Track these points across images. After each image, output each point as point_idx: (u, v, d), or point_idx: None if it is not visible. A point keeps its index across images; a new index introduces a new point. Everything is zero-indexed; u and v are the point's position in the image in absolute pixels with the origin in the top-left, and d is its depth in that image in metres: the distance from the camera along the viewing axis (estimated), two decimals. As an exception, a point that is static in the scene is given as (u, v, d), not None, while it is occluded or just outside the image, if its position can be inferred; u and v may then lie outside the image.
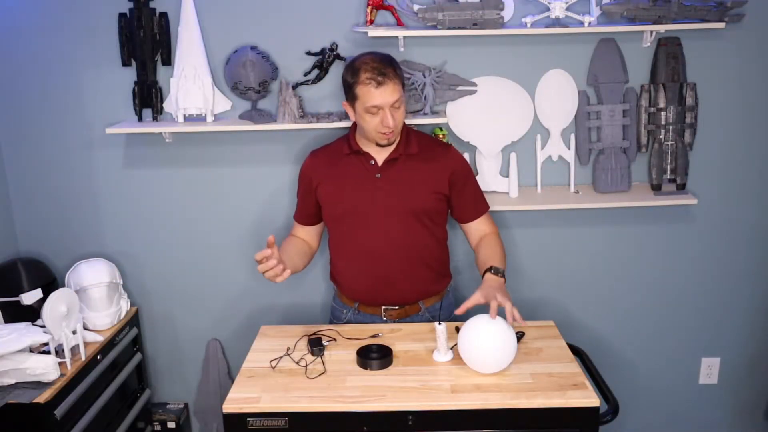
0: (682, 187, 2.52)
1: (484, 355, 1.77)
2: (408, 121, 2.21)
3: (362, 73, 1.92)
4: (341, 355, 1.92)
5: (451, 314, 2.27)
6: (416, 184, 2.06)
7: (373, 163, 2.07)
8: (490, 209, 2.22)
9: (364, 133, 2.03)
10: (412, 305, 2.15)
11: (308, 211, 2.20)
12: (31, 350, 2.06)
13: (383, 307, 2.14)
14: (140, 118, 2.46)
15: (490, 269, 1.99)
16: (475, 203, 2.17)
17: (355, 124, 2.11)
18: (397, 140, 2.07)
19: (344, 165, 2.09)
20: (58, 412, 2.03)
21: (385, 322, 2.14)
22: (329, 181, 2.09)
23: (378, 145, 2.03)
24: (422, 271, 2.13)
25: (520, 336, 1.98)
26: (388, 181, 2.06)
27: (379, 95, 1.91)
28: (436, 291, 2.19)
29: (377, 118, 1.95)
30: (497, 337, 1.76)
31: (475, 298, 1.87)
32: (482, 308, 1.85)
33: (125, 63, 2.42)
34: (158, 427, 2.73)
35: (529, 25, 2.30)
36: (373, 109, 1.93)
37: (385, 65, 1.93)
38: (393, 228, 2.06)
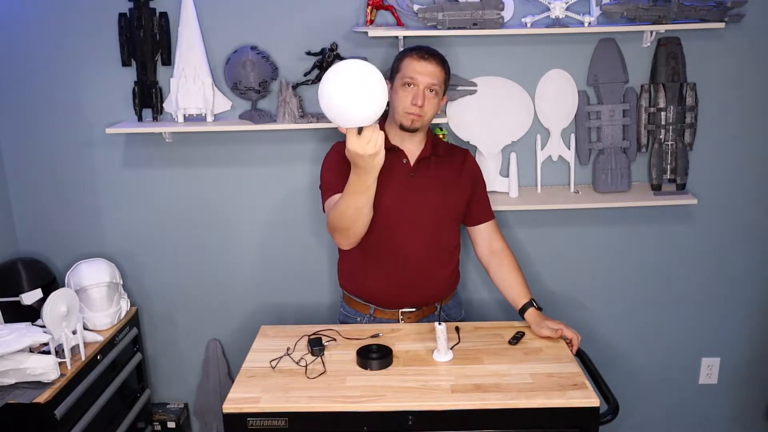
0: (682, 187, 2.52)
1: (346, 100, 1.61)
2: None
3: (413, 49, 2.00)
4: (341, 355, 1.92)
5: (463, 314, 2.27)
6: (448, 186, 2.07)
7: (405, 161, 2.05)
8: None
9: (393, 114, 2.02)
10: (429, 306, 2.14)
11: None
12: (31, 350, 2.06)
13: (401, 311, 2.12)
14: (140, 118, 2.46)
15: (533, 304, 2.06)
16: (487, 208, 2.18)
17: (385, 119, 2.09)
18: (425, 141, 2.07)
19: None
20: (58, 412, 2.03)
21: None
22: None
23: (402, 128, 2.00)
24: (444, 272, 2.12)
25: (520, 336, 1.98)
26: (422, 181, 2.05)
27: (419, 68, 1.95)
28: (450, 291, 2.20)
29: (410, 95, 1.95)
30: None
31: (546, 336, 1.99)
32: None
33: (125, 63, 2.42)
34: (158, 427, 2.73)
35: (529, 25, 2.31)
36: (409, 80, 1.95)
37: (436, 53, 2.01)
38: (424, 228, 2.04)
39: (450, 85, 2.40)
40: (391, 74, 2.05)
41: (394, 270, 2.05)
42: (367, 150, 1.65)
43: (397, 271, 2.05)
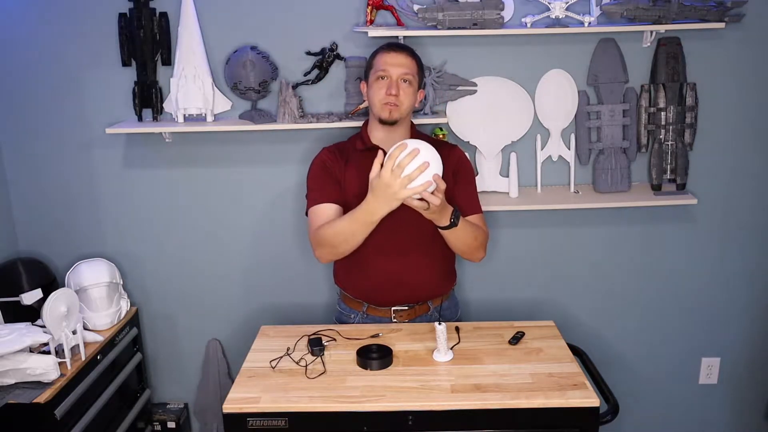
0: (682, 187, 2.52)
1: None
2: (408, 121, 2.21)
3: (382, 46, 2.08)
4: (341, 355, 1.92)
5: (459, 314, 2.27)
6: None
7: None
8: (490, 209, 2.22)
9: (372, 110, 2.05)
10: (421, 305, 2.14)
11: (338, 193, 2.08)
12: (31, 350, 2.06)
13: (393, 308, 2.13)
14: (140, 118, 2.46)
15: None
16: (470, 202, 2.15)
17: (367, 122, 2.13)
18: (407, 137, 2.07)
19: (357, 161, 2.07)
20: (58, 412, 2.03)
21: (395, 322, 2.14)
22: (344, 177, 2.08)
23: (381, 122, 2.03)
24: (433, 269, 2.12)
25: (520, 336, 1.98)
26: None
27: (390, 59, 2.02)
28: (444, 290, 2.19)
29: (384, 87, 2.00)
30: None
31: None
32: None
33: (125, 63, 2.42)
34: (158, 427, 2.73)
35: (529, 25, 2.31)
36: (381, 72, 2.01)
37: (405, 46, 2.10)
38: (406, 224, 2.03)
39: (450, 85, 2.41)
40: (365, 75, 2.10)
41: (381, 267, 2.07)
42: (394, 181, 1.71)
43: (384, 269, 2.07)
